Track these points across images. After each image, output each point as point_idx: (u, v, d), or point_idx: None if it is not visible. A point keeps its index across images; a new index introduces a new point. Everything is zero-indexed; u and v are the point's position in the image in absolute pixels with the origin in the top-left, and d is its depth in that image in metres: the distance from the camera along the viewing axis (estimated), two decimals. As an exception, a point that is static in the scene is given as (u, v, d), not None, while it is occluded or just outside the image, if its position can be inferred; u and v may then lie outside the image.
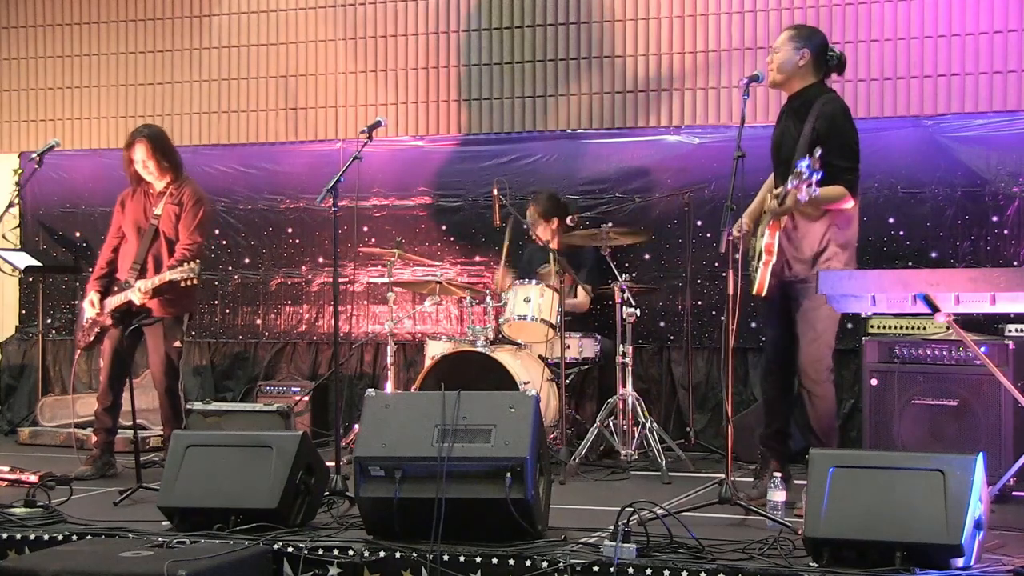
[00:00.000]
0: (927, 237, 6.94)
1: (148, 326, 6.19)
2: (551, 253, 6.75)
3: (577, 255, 7.13)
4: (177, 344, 6.28)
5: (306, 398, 7.71)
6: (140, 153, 6.20)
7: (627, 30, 7.58)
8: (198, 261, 5.99)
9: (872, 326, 6.10)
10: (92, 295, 6.29)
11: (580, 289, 7.08)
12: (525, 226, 7.06)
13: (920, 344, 5.78)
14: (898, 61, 7.05)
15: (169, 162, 6.27)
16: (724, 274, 4.98)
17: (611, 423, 6.43)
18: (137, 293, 6.03)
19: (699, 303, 7.35)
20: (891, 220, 6.94)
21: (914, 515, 3.80)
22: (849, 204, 5.22)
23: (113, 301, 6.18)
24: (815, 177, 4.74)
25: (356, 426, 6.51)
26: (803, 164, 4.78)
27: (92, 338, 6.29)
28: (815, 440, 5.28)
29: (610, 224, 6.76)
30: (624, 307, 6.47)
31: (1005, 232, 6.80)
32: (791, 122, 5.35)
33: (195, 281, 5.92)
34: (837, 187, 5.11)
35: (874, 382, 5.80)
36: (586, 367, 6.96)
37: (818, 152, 4.83)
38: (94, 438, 6.39)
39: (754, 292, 5.25)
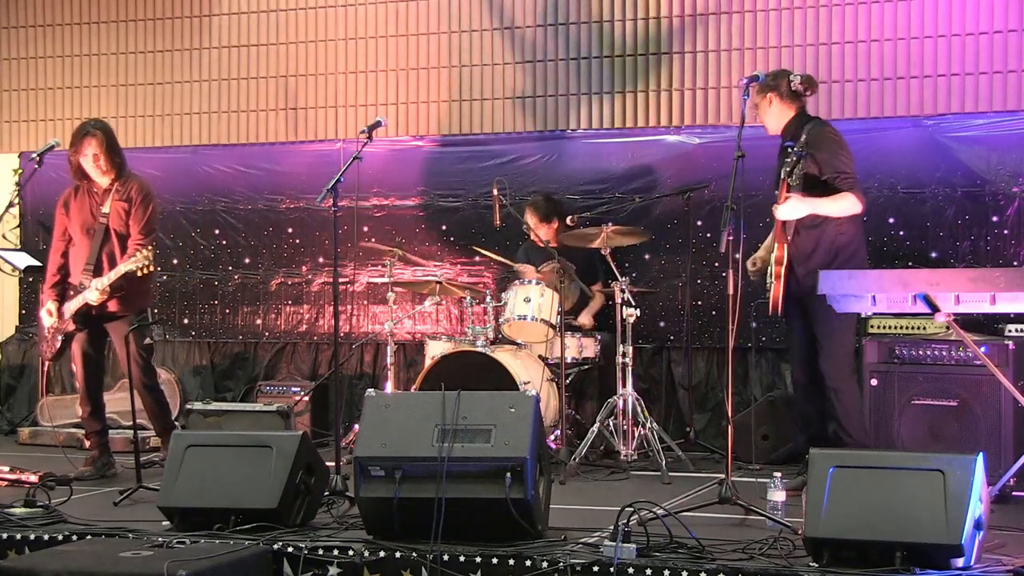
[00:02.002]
0: (927, 237, 6.94)
1: (111, 326, 6.09)
2: (553, 252, 6.74)
3: (577, 256, 7.11)
4: (148, 342, 6.24)
5: (306, 398, 7.71)
6: (93, 147, 6.10)
7: (627, 30, 7.58)
8: (151, 248, 5.91)
9: (872, 326, 6.10)
10: (49, 304, 6.17)
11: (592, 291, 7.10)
12: (525, 227, 7.05)
13: (920, 344, 5.78)
14: (898, 61, 7.04)
15: (119, 157, 6.20)
16: (724, 274, 5.00)
17: (611, 423, 6.42)
18: (94, 292, 5.96)
19: (699, 303, 7.35)
20: (891, 220, 6.94)
21: (914, 515, 3.80)
22: (859, 208, 5.41)
23: (71, 306, 6.10)
24: (802, 157, 5.14)
25: (356, 426, 6.51)
26: (789, 146, 5.19)
27: (58, 347, 6.18)
28: (845, 436, 5.39)
29: (610, 224, 6.76)
30: (624, 307, 6.47)
31: (1005, 232, 6.80)
32: (785, 156, 5.56)
33: (151, 269, 5.85)
34: (841, 195, 5.34)
35: (874, 382, 5.80)
36: (586, 367, 6.96)
37: (803, 137, 5.20)
38: (87, 442, 6.38)
39: (770, 312, 5.43)
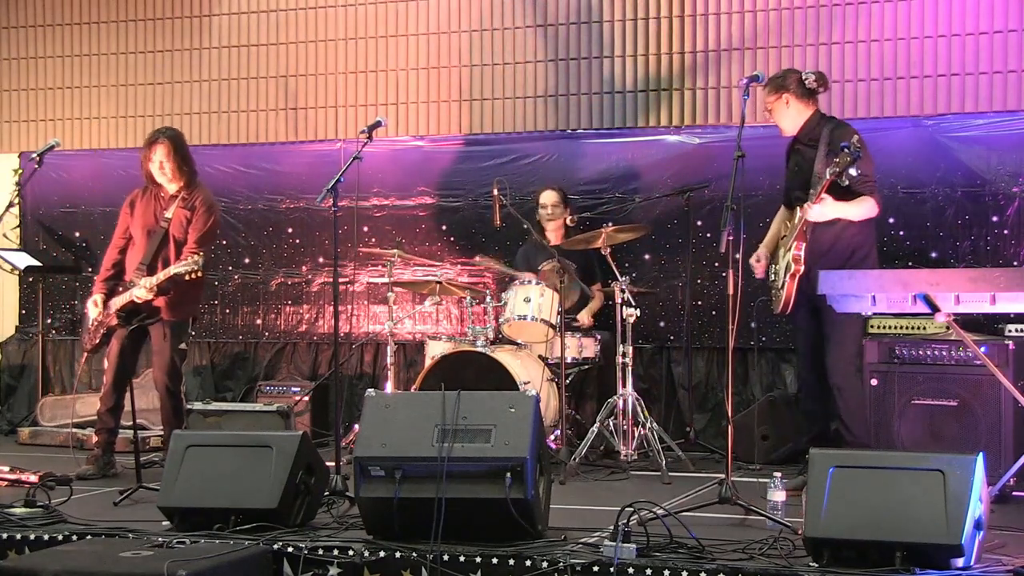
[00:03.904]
0: (927, 237, 6.94)
1: (152, 325, 6.18)
2: (553, 251, 6.75)
3: (575, 256, 7.11)
4: (183, 347, 6.29)
5: (306, 398, 7.71)
6: (160, 153, 6.20)
7: (627, 30, 7.58)
8: (202, 254, 5.98)
9: (872, 326, 6.10)
10: (96, 296, 6.28)
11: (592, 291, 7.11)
12: (526, 226, 7.05)
13: (920, 344, 5.78)
14: (898, 61, 7.04)
15: (187, 166, 6.29)
16: (724, 274, 5.00)
17: (611, 423, 6.42)
18: (142, 290, 6.02)
19: (699, 303, 7.35)
20: (891, 220, 6.93)
21: (914, 515, 3.80)
22: (876, 211, 5.46)
23: (118, 301, 6.16)
24: (858, 159, 5.05)
25: (356, 426, 6.51)
26: (845, 147, 5.09)
27: (98, 340, 6.25)
28: (847, 433, 5.42)
29: (610, 224, 6.77)
30: (624, 307, 6.47)
31: (1005, 232, 6.80)
32: (801, 156, 5.59)
33: (199, 274, 5.92)
34: (863, 199, 5.38)
35: (874, 382, 5.80)
36: (586, 367, 6.96)
37: (855, 137, 5.15)
38: (95, 438, 6.39)
39: (777, 311, 5.46)
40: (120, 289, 6.22)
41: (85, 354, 6.62)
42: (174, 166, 6.22)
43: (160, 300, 6.11)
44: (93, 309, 6.27)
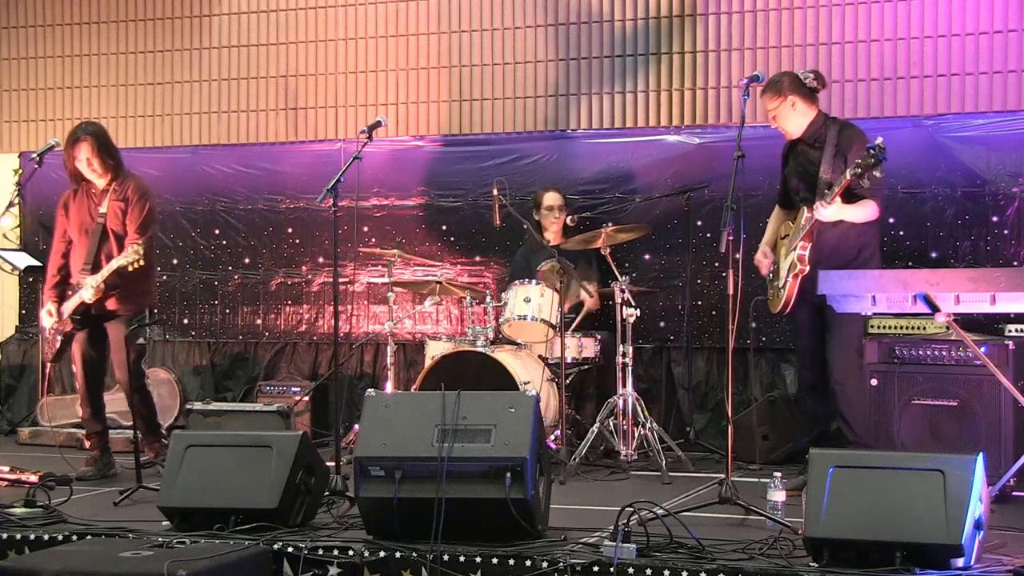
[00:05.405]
0: (927, 237, 6.93)
1: (108, 323, 6.13)
2: (552, 251, 6.75)
3: (574, 256, 7.11)
4: (140, 341, 6.25)
5: (306, 398, 7.71)
6: (85, 151, 6.12)
7: (627, 30, 7.58)
8: (141, 243, 5.90)
9: (872, 326, 6.10)
10: (49, 305, 6.20)
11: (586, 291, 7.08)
12: (526, 226, 7.05)
13: (920, 344, 5.78)
14: (898, 61, 7.05)
15: (113, 159, 6.22)
16: (724, 274, 5.00)
17: (611, 423, 6.43)
18: (89, 290, 5.98)
19: (699, 303, 7.35)
20: (891, 220, 6.92)
21: (914, 515, 3.80)
22: (877, 215, 5.44)
23: (69, 305, 6.12)
24: (881, 160, 4.97)
25: (356, 426, 6.51)
26: (871, 148, 5.01)
27: (57, 347, 6.20)
28: (848, 432, 5.42)
29: (610, 224, 6.77)
30: (624, 307, 6.47)
31: (1005, 232, 6.80)
32: (806, 157, 5.57)
33: (140, 263, 5.83)
34: (865, 202, 5.35)
35: (874, 382, 5.80)
36: (586, 367, 6.96)
37: (880, 140, 5.03)
38: (87, 443, 6.38)
39: (776, 310, 5.45)
40: (70, 293, 6.17)
41: (48, 365, 6.59)
42: (100, 161, 6.15)
43: (111, 300, 6.06)
44: (47, 319, 6.20)
